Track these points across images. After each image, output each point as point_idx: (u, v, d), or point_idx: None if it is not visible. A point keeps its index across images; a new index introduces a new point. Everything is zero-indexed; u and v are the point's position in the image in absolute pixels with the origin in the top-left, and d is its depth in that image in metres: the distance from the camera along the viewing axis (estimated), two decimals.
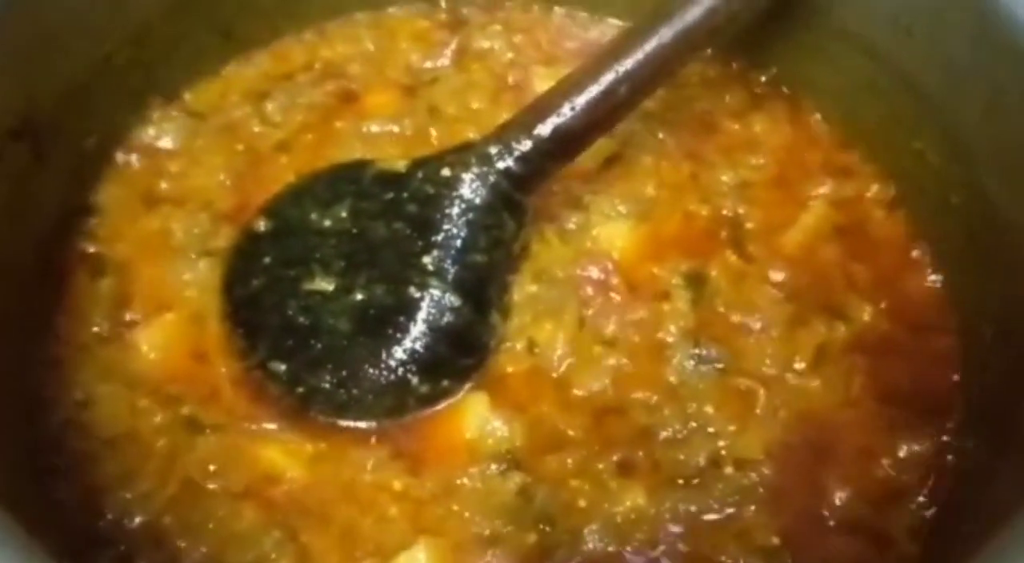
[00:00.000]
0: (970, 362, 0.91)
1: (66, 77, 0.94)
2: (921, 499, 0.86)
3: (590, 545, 0.82)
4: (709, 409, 0.88)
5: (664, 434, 0.87)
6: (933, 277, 0.98)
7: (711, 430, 0.88)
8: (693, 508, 0.84)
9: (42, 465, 0.85)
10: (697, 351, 0.91)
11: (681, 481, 0.85)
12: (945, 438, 0.88)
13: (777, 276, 0.97)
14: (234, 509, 0.84)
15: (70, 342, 0.92)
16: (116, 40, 0.99)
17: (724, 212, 1.01)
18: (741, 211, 1.01)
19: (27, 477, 0.82)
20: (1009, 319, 0.86)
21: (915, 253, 0.99)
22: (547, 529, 0.83)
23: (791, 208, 1.01)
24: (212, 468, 0.86)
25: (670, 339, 0.92)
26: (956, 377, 0.91)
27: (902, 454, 0.87)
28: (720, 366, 0.91)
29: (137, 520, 0.83)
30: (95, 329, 0.93)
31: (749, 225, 1.00)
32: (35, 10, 0.89)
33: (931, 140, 0.96)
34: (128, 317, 0.94)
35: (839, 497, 0.85)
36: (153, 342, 0.93)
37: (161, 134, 1.05)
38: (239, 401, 0.90)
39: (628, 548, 0.82)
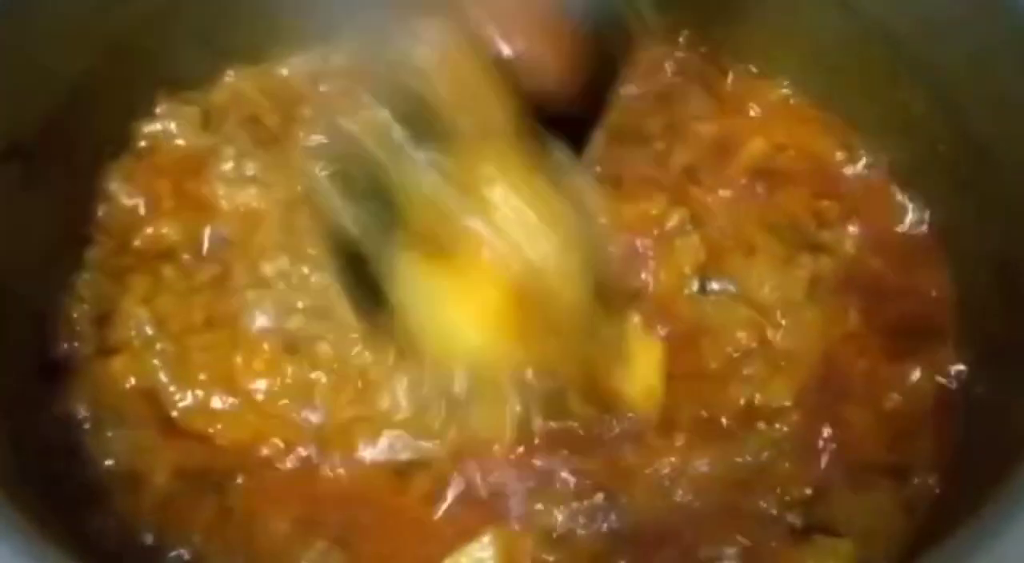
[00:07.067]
0: (969, 305, 0.92)
1: (48, 99, 0.93)
2: (937, 431, 0.87)
3: (634, 504, 0.83)
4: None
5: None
6: (922, 222, 0.98)
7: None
8: (732, 460, 0.85)
9: (77, 494, 0.84)
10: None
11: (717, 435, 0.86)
12: (952, 372, 0.90)
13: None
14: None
15: (71, 365, 0.91)
16: (93, 57, 0.96)
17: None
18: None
19: (62, 505, 0.80)
20: (1008, 261, 0.86)
21: (900, 199, 1.00)
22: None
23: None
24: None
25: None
26: (956, 320, 0.92)
27: (909, 385, 0.89)
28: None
29: (176, 546, 0.83)
30: (86, 351, 0.91)
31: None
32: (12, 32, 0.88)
33: (913, 91, 0.96)
34: (132, 334, 0.92)
35: (859, 434, 0.87)
36: None
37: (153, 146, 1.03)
38: None
39: (668, 505, 0.83)
